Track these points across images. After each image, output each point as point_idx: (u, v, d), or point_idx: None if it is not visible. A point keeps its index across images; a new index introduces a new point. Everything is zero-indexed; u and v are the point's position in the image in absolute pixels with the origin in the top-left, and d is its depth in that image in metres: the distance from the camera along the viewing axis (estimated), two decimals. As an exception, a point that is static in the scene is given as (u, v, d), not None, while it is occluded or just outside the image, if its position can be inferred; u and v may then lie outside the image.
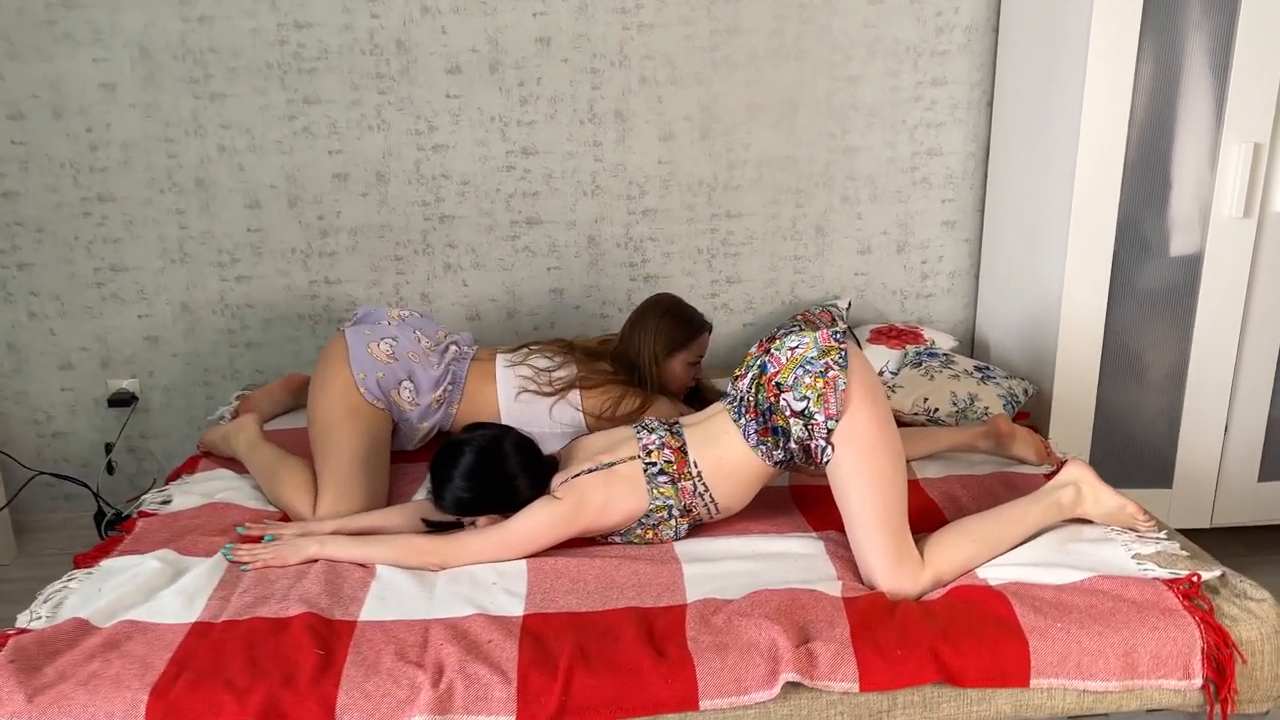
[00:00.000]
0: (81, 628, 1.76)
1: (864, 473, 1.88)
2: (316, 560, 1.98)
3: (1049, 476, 2.21)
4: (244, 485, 2.38)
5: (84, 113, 2.87)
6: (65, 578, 1.96)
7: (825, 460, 1.90)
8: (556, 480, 2.05)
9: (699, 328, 2.59)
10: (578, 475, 2.02)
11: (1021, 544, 1.97)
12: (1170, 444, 2.77)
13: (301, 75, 2.88)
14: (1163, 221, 2.63)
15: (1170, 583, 1.81)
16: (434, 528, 2.11)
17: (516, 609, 1.83)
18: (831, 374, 1.89)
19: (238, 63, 2.87)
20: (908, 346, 2.95)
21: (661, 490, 2.00)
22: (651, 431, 2.06)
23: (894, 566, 1.85)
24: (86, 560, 2.04)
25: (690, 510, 2.03)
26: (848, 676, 1.65)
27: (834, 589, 1.86)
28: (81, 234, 2.96)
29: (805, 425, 1.90)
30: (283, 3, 2.83)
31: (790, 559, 1.99)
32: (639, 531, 2.04)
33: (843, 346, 1.93)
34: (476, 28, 2.89)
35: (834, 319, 2.15)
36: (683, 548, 2.04)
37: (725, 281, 3.17)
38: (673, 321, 2.55)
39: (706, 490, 2.02)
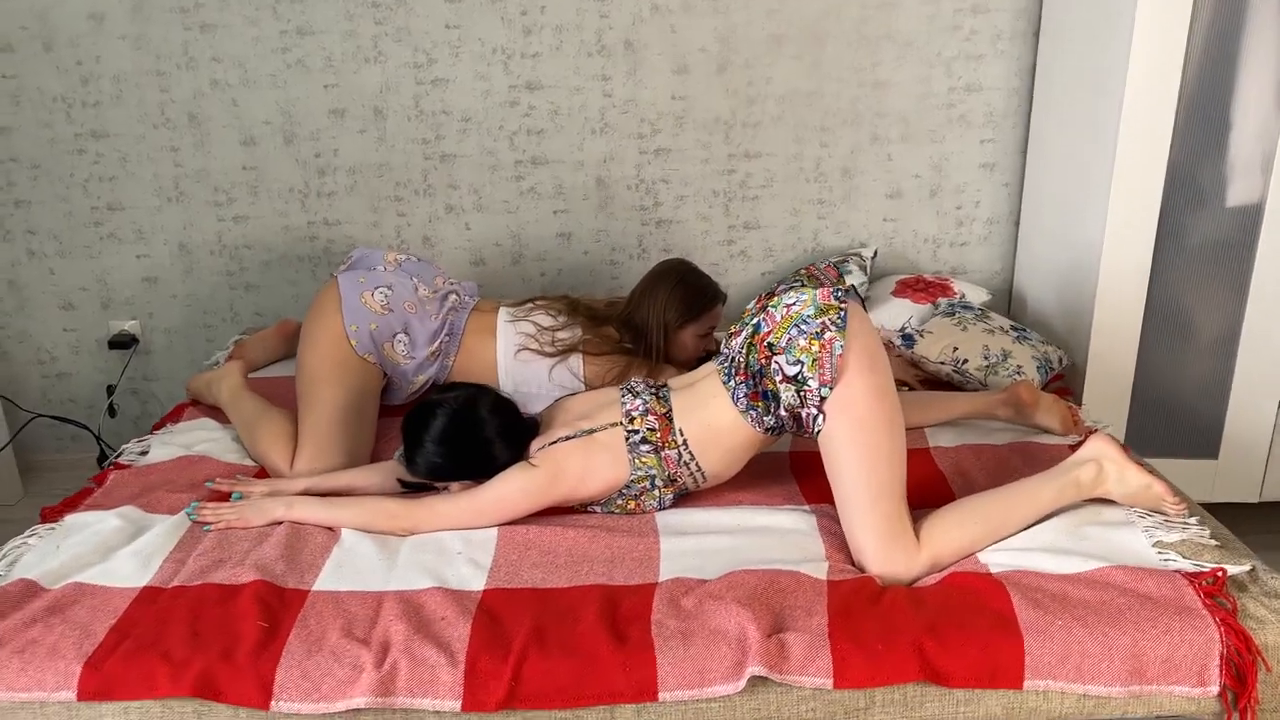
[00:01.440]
0: (29, 590, 1.70)
1: (857, 445, 1.72)
2: (281, 523, 1.90)
3: (1074, 449, 2.02)
4: (225, 437, 2.30)
5: (74, 45, 2.76)
6: (27, 533, 1.91)
7: (816, 429, 1.75)
8: (535, 445, 1.93)
9: (713, 299, 2.42)
10: (555, 442, 1.89)
11: (1033, 524, 1.80)
12: (1218, 412, 2.55)
13: (294, 4, 2.74)
14: (1219, 167, 2.38)
15: (1192, 577, 1.63)
16: (410, 489, 2.01)
17: (478, 583, 1.72)
18: (828, 335, 1.72)
19: (228, -9, 2.73)
20: (939, 299, 2.76)
21: (644, 460, 1.87)
22: (636, 395, 1.92)
23: (886, 547, 1.70)
24: (52, 514, 1.98)
25: (675, 480, 1.90)
26: (821, 671, 1.52)
27: (819, 571, 1.72)
28: (77, 171, 2.88)
29: (797, 391, 1.74)
30: (273, -74, 2.68)
31: (777, 535, 1.84)
32: (620, 501, 1.92)
33: (842, 306, 1.76)
34: (477, -48, 2.71)
35: (840, 276, 1.97)
36: (664, 519, 1.92)
37: (743, 227, 2.98)
38: (686, 290, 2.38)
39: (693, 459, 1.88)
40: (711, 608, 1.61)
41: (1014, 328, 2.55)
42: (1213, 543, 1.73)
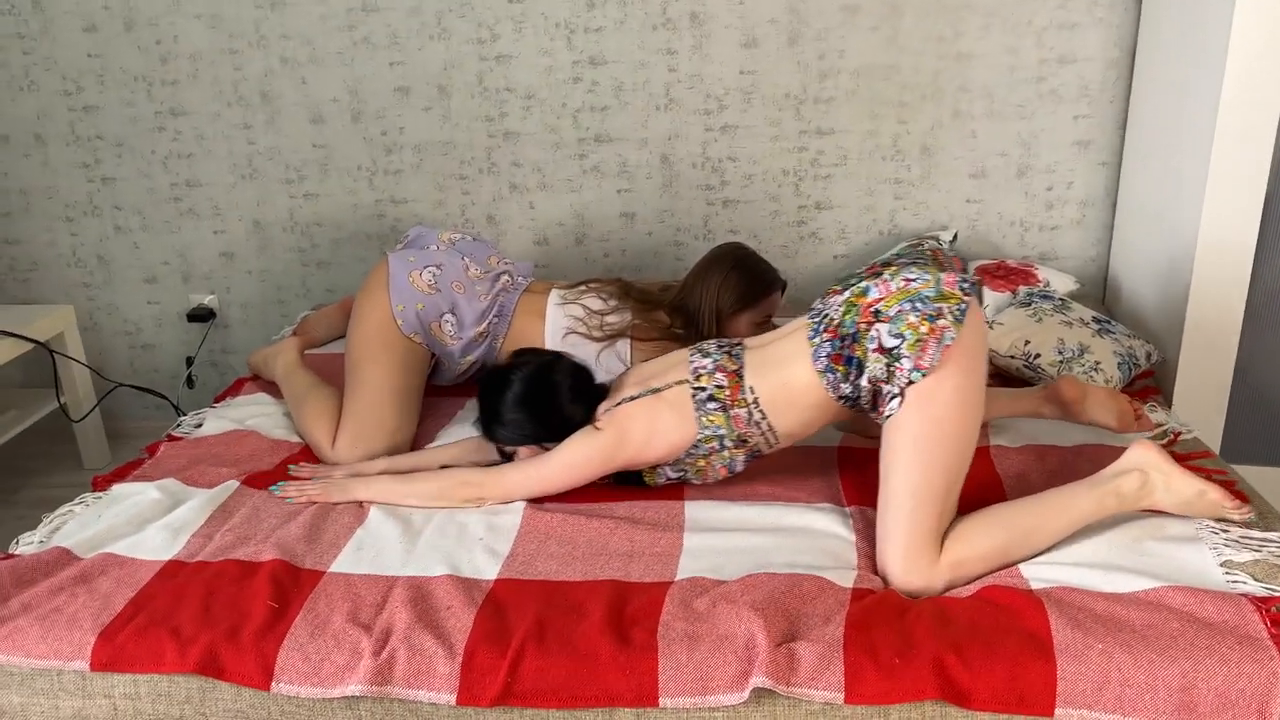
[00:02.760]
0: (62, 558, 1.75)
1: (921, 442, 1.60)
2: (362, 504, 1.91)
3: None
4: (276, 412, 2.33)
5: (153, 24, 2.83)
6: (75, 500, 1.97)
7: (889, 414, 1.63)
8: (602, 408, 1.88)
9: (771, 284, 2.31)
10: (621, 403, 1.84)
11: (1082, 537, 1.65)
12: (1327, 416, 2.31)
13: (360, -20, 2.74)
14: (1337, 145, 2.14)
15: (1260, 602, 1.47)
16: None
17: (491, 571, 1.69)
18: (941, 323, 1.60)
19: (297, -32, 2.75)
20: (1019, 288, 2.58)
21: (711, 418, 1.78)
22: (706, 355, 1.84)
23: (909, 555, 1.59)
24: (103, 483, 2.04)
25: (745, 440, 1.80)
26: (831, 685, 1.42)
27: (846, 579, 1.61)
28: (158, 148, 2.96)
29: (887, 366, 1.62)
30: (340, -97, 2.68)
31: (808, 536, 1.75)
32: (689, 461, 1.84)
33: (966, 299, 1.64)
34: (540, -76, 2.65)
35: (964, 266, 1.84)
36: (693, 511, 1.84)
37: (814, 207, 2.85)
38: (742, 275, 2.28)
39: (764, 418, 1.77)
40: (723, 611, 1.53)
41: (1097, 319, 2.36)
42: (1292, 564, 1.55)
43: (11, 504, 2.90)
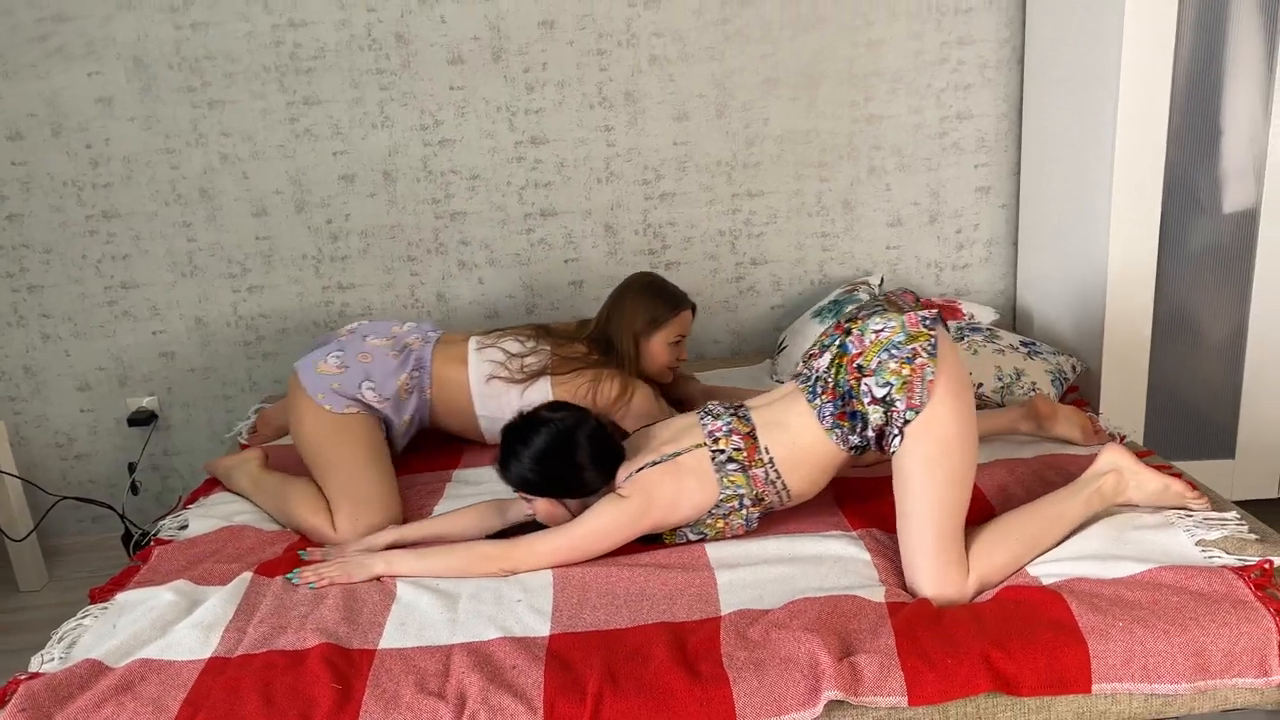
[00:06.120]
0: (94, 669, 1.70)
1: (933, 470, 1.76)
2: (381, 579, 1.92)
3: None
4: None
5: (83, 129, 2.80)
6: (80, 614, 1.90)
7: (893, 450, 1.79)
8: (621, 474, 1.95)
9: (679, 303, 2.46)
10: (642, 469, 1.92)
11: (1071, 535, 1.85)
12: (1231, 412, 2.61)
13: (300, 76, 2.79)
14: (1214, 175, 2.47)
15: (1240, 571, 1.68)
16: (499, 536, 2.04)
17: (543, 629, 1.74)
18: (919, 361, 1.77)
19: (234, 68, 2.78)
20: (948, 323, 2.81)
21: (732, 479, 1.90)
22: (717, 418, 1.95)
23: (941, 569, 1.74)
24: (102, 594, 1.98)
25: (762, 499, 1.92)
26: (895, 690, 1.55)
27: (877, 594, 1.74)
28: (89, 252, 2.90)
29: (885, 412, 1.78)
30: (276, 3, 2.74)
31: (829, 562, 1.87)
32: (709, 522, 1.94)
33: (932, 334, 1.81)
34: (476, 15, 2.78)
35: (917, 300, 2.03)
36: (715, 551, 1.94)
37: (750, 264, 3.04)
38: (652, 298, 2.43)
39: (779, 477, 1.90)
40: (779, 636, 1.63)
41: (1024, 344, 2.61)
42: (1253, 536, 1.78)
43: (-50, 636, 2.73)
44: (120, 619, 1.85)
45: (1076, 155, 2.63)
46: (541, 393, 2.36)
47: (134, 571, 2.07)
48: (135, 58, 2.76)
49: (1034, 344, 2.62)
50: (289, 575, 1.95)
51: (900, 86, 2.92)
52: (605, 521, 1.90)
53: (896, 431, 1.77)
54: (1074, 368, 2.58)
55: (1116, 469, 1.88)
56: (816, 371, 1.90)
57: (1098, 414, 2.53)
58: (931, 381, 1.76)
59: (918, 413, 1.75)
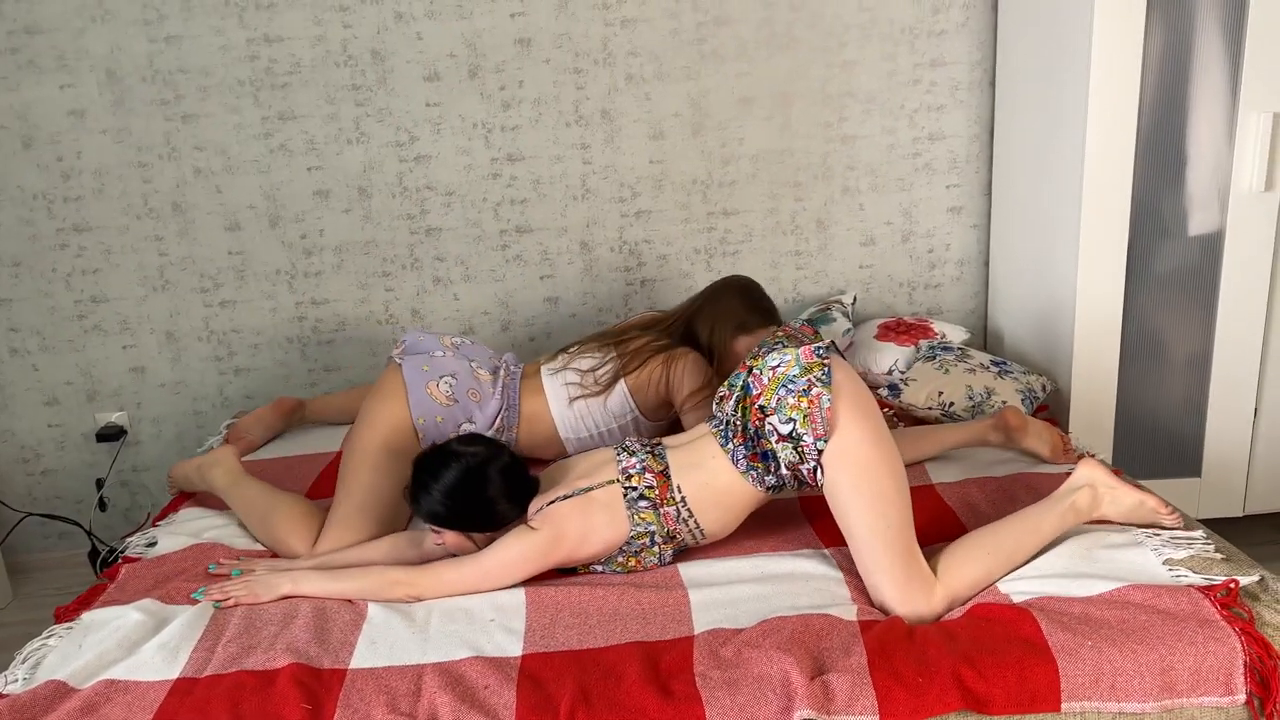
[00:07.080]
0: (59, 691, 1.68)
1: (862, 493, 1.77)
2: (291, 597, 1.90)
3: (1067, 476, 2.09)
4: (231, 523, 2.28)
5: (54, 141, 2.78)
6: (45, 634, 1.88)
7: (820, 483, 1.81)
8: (533, 507, 1.95)
9: (771, 319, 2.44)
10: (553, 502, 1.92)
11: (1042, 552, 1.86)
12: (1197, 431, 2.65)
13: (275, 91, 2.79)
14: (1179, 200, 2.51)
15: (1206, 590, 1.70)
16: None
17: (515, 648, 1.73)
18: (815, 391, 1.78)
19: (209, 81, 2.77)
20: (920, 341, 2.84)
21: (643, 516, 1.90)
22: (633, 454, 1.96)
23: (903, 587, 1.75)
24: (68, 614, 1.95)
25: (674, 536, 1.94)
26: (866, 709, 1.55)
27: (849, 613, 1.75)
28: (59, 266, 2.87)
29: (795, 448, 1.80)
30: (252, 18, 2.73)
31: (801, 580, 1.88)
32: (620, 559, 1.95)
33: (826, 362, 1.82)
34: (453, 32, 2.78)
35: (816, 332, 2.05)
36: (688, 571, 1.94)
37: (725, 281, 3.06)
38: (749, 303, 2.42)
39: (691, 516, 1.92)
40: (751, 655, 1.63)
41: (995, 363, 2.64)
42: (1219, 556, 1.80)
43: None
44: (86, 638, 1.83)
45: (1046, 177, 2.67)
46: (619, 397, 2.36)
47: (101, 590, 2.04)
48: (108, 70, 2.74)
49: (1004, 363, 2.65)
50: (195, 594, 1.93)
51: (874, 107, 2.95)
52: (514, 554, 1.89)
53: (814, 464, 1.79)
54: (1044, 387, 2.61)
55: (1091, 484, 1.90)
56: (726, 415, 1.91)
57: (1067, 433, 2.56)
58: (830, 409, 1.77)
59: (826, 441, 1.77)
